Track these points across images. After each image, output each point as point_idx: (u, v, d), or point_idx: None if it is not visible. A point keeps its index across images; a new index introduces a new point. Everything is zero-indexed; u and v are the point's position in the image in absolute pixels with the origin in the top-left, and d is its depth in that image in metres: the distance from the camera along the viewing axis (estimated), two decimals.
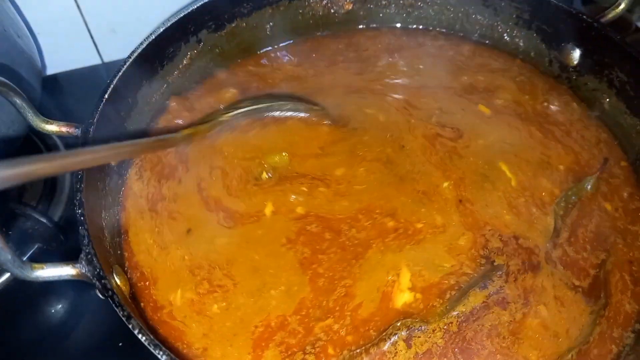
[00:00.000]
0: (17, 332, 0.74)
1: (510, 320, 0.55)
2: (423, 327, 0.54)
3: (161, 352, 0.44)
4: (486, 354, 0.53)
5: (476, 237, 0.61)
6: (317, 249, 0.60)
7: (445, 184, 0.66)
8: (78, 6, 0.97)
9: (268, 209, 0.64)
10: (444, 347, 0.53)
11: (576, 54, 0.76)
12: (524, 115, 0.74)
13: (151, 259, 0.60)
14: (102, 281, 0.48)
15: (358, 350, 0.53)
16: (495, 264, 0.59)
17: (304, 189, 0.66)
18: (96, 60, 1.08)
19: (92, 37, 1.04)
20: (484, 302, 0.56)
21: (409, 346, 0.53)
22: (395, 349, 0.53)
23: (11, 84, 0.52)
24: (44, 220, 0.80)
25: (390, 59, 0.83)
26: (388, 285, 0.58)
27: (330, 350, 0.54)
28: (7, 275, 0.77)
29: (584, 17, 0.72)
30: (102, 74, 1.09)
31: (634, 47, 0.69)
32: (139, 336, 0.45)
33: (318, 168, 0.68)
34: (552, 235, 0.61)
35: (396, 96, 0.77)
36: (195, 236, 0.62)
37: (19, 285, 0.76)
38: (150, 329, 0.53)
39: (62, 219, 0.83)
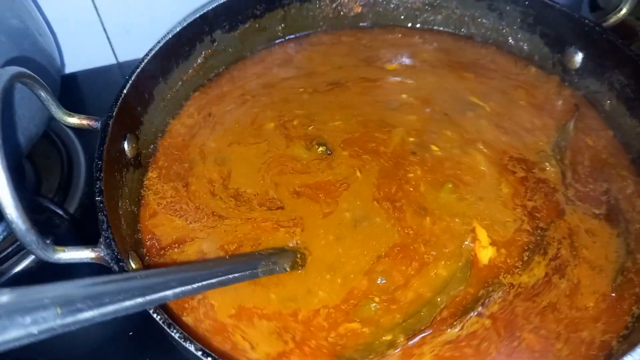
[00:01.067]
0: None
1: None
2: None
3: (175, 331, 0.46)
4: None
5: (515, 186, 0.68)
6: None
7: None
8: (95, 6, 1.01)
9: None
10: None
11: (578, 57, 0.78)
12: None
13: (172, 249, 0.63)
14: (120, 264, 0.50)
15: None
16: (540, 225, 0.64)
17: None
18: (111, 60, 1.11)
19: (107, 37, 1.07)
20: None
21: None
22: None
23: (37, 76, 0.55)
24: (61, 212, 0.83)
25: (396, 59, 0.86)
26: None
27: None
28: (20, 266, 0.80)
29: (587, 21, 0.74)
30: (116, 73, 1.12)
31: (635, 51, 0.71)
32: (154, 315, 0.47)
33: None
34: (561, 178, 0.68)
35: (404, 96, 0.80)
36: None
37: (31, 276, 0.79)
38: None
39: (77, 211, 0.86)
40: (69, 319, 0.38)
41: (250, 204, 0.67)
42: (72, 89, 1.06)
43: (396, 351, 0.55)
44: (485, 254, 0.62)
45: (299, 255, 0.61)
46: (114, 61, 1.11)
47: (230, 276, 0.52)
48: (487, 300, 0.58)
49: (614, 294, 0.59)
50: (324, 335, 0.56)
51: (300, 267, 0.61)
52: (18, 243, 0.80)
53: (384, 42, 0.89)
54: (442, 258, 0.61)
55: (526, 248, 0.62)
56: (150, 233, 0.64)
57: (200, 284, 0.48)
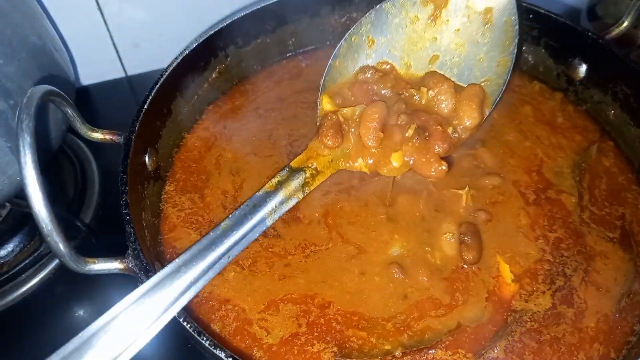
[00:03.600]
0: (43, 336, 0.77)
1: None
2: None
3: (205, 338, 0.48)
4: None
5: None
6: None
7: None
8: (105, 22, 1.03)
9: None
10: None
11: (582, 68, 0.80)
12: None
13: None
14: (148, 274, 0.52)
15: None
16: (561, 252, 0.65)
17: None
18: (120, 74, 1.13)
19: (117, 52, 1.09)
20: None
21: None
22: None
23: (64, 94, 0.57)
24: (77, 223, 0.85)
25: None
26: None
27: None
28: (38, 277, 0.81)
29: (590, 34, 0.76)
30: (125, 86, 1.14)
31: (638, 62, 0.73)
32: (185, 324, 0.49)
33: None
34: (578, 200, 0.69)
35: None
36: None
37: (45, 291, 0.81)
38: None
39: (92, 222, 0.88)
40: None
41: None
42: (83, 102, 1.07)
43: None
44: (508, 290, 0.62)
45: (309, 173, 0.65)
46: (123, 75, 1.13)
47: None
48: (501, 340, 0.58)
49: (617, 315, 0.59)
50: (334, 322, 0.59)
51: (309, 188, 0.65)
52: (35, 255, 0.82)
53: None
54: (467, 302, 0.61)
55: (546, 277, 0.62)
56: (170, 246, 0.66)
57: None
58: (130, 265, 0.53)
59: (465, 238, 0.64)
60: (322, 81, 0.72)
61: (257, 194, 0.62)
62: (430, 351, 0.57)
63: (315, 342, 0.57)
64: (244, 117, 0.81)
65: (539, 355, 0.56)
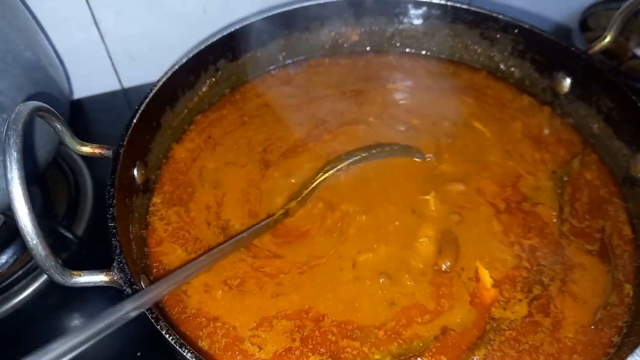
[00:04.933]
0: (38, 343, 0.77)
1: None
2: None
3: (186, 351, 0.48)
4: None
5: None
6: None
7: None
8: (101, 35, 1.04)
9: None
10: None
11: (567, 82, 0.81)
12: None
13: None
14: (133, 287, 0.53)
15: None
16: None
17: None
18: (116, 86, 1.15)
19: (113, 64, 1.10)
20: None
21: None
22: None
23: (52, 109, 0.58)
24: (70, 236, 0.86)
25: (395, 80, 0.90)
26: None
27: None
28: (30, 289, 0.82)
29: (573, 49, 0.78)
30: (121, 99, 1.15)
31: (621, 73, 0.74)
32: (167, 336, 0.50)
33: None
34: (558, 212, 0.70)
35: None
36: None
37: (40, 299, 0.81)
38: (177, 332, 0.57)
39: (84, 235, 0.88)
40: None
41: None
42: (78, 115, 1.09)
43: None
44: (488, 296, 0.62)
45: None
46: (118, 87, 1.15)
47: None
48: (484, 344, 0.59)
49: (592, 327, 0.60)
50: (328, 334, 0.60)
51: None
52: (28, 266, 0.83)
53: (380, 65, 0.93)
54: (453, 307, 0.62)
55: (524, 285, 0.63)
56: (157, 261, 0.66)
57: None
58: (115, 278, 0.54)
59: (442, 245, 0.66)
60: None
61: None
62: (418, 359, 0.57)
63: (310, 354, 0.58)
64: (228, 125, 0.82)
65: None
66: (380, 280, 0.63)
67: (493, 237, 0.67)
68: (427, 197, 0.71)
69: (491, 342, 0.58)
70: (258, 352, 0.58)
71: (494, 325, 0.60)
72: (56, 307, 0.82)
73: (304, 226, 0.69)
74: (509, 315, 0.61)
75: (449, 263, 0.64)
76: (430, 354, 0.58)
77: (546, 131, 0.81)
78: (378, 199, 0.72)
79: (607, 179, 0.74)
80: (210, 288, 0.63)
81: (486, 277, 0.63)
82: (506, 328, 0.60)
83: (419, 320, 0.60)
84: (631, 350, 0.50)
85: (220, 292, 0.63)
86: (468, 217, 0.69)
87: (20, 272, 0.82)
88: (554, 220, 0.69)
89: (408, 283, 0.63)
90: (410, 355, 0.58)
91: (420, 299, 0.62)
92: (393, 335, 0.59)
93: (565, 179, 0.74)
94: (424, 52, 0.94)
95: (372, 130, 0.80)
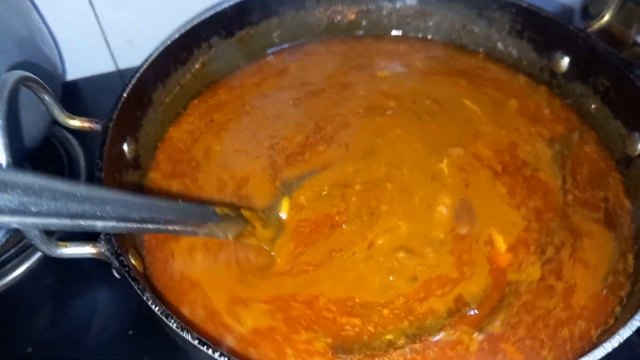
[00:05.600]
0: (29, 323, 0.77)
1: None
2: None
3: (173, 321, 0.48)
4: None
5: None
6: None
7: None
8: (97, 16, 1.03)
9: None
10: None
11: (565, 61, 0.80)
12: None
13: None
14: (119, 258, 0.52)
15: None
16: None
17: None
18: (112, 68, 1.13)
19: (108, 45, 1.09)
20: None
21: None
22: None
23: (41, 80, 0.57)
24: None
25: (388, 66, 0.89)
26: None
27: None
28: (21, 268, 0.81)
29: (571, 27, 0.77)
30: (116, 80, 1.14)
31: (618, 55, 0.73)
32: (153, 307, 0.49)
33: None
34: (561, 182, 0.71)
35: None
36: None
37: (32, 279, 0.81)
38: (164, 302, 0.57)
39: None
40: None
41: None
42: (73, 96, 1.08)
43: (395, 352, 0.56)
44: (503, 260, 0.63)
45: (249, 228, 0.62)
46: (114, 68, 1.14)
47: (170, 227, 0.52)
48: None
49: (604, 292, 0.60)
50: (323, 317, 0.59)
51: (244, 238, 0.62)
52: (20, 245, 0.83)
53: (377, 51, 0.91)
54: (473, 275, 0.62)
55: (537, 247, 0.64)
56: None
57: (137, 225, 0.47)
58: (102, 250, 0.53)
59: (458, 212, 0.66)
60: None
61: (209, 207, 0.59)
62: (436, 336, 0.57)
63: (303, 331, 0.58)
64: (230, 112, 0.81)
65: (531, 331, 0.57)
66: (400, 255, 0.62)
67: (500, 200, 0.68)
68: (442, 164, 0.71)
69: (511, 306, 0.59)
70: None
71: (512, 288, 0.60)
72: (49, 285, 0.82)
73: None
74: (524, 278, 0.61)
75: (465, 230, 0.65)
76: (451, 325, 0.57)
77: (543, 110, 0.80)
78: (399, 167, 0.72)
79: (604, 154, 0.74)
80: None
81: (500, 242, 0.64)
82: (523, 291, 0.60)
83: (439, 292, 0.60)
84: (623, 324, 0.50)
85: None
86: (472, 181, 0.70)
87: (12, 251, 0.82)
88: (558, 187, 0.70)
89: (430, 255, 0.63)
90: (426, 334, 0.57)
91: (444, 270, 0.62)
92: (403, 314, 0.58)
93: (565, 152, 0.74)
94: (421, 35, 0.93)
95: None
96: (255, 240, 0.64)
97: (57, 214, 0.38)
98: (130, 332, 0.74)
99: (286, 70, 0.88)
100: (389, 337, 0.57)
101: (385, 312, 0.59)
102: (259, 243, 0.64)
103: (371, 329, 0.57)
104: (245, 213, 0.63)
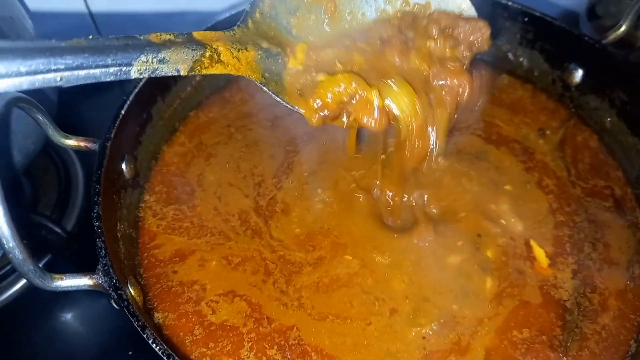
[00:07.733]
0: (28, 341, 0.76)
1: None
2: None
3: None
4: None
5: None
6: None
7: None
8: (93, 19, 1.00)
9: None
10: None
11: (578, 73, 0.77)
12: None
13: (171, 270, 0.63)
14: (118, 292, 0.50)
15: None
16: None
17: None
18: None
19: None
20: None
21: None
22: None
23: (33, 100, 0.54)
24: (58, 230, 0.83)
25: None
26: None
27: None
28: (19, 285, 0.79)
29: (586, 38, 0.74)
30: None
31: (637, 66, 0.71)
32: (153, 346, 0.47)
33: None
34: (567, 175, 0.71)
35: None
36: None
37: (30, 295, 0.78)
38: (163, 338, 0.55)
39: (75, 228, 0.85)
40: None
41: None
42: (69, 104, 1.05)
43: None
44: (546, 274, 0.62)
45: (208, 54, 0.50)
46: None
47: (92, 72, 0.43)
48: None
49: (629, 282, 0.61)
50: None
51: (200, 69, 0.50)
52: None
53: None
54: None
55: (572, 246, 0.64)
56: (150, 255, 0.63)
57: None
58: (100, 282, 0.51)
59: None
60: None
61: (137, 36, 0.46)
62: None
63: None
64: (217, 134, 0.77)
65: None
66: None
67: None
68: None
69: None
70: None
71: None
72: (47, 301, 0.80)
73: None
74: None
75: None
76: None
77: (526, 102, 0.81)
78: None
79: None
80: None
81: (542, 256, 0.63)
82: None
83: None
84: None
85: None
86: None
87: (9, 267, 0.79)
88: (565, 176, 0.71)
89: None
90: None
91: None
92: None
93: (565, 146, 0.75)
94: None
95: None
96: (222, 67, 0.52)
97: None
98: (130, 352, 0.73)
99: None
100: None
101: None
102: (226, 71, 0.52)
103: None
104: (200, 35, 0.51)
